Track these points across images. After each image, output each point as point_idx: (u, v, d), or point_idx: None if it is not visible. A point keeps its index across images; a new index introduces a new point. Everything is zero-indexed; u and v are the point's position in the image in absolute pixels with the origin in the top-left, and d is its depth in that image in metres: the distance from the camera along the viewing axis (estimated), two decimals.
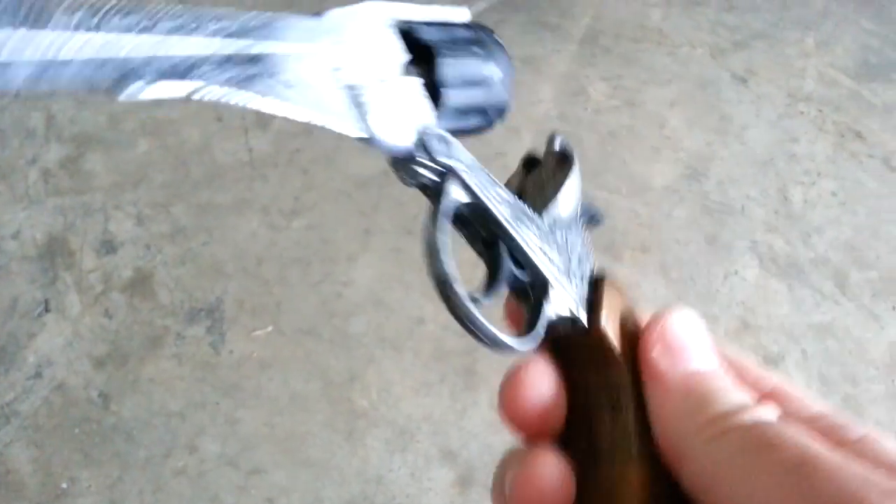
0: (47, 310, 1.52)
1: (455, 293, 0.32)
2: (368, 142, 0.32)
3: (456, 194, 0.34)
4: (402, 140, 0.33)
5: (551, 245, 0.37)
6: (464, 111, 0.36)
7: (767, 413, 0.32)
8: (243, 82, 0.27)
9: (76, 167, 1.74)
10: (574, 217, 0.39)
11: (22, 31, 0.21)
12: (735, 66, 2.06)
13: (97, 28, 0.23)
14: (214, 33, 0.26)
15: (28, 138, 1.79)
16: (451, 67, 0.35)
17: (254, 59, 0.27)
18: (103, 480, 1.33)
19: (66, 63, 0.22)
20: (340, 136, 0.31)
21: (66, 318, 1.51)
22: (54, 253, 1.60)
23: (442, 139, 0.34)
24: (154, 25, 0.24)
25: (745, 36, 2.14)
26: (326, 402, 1.44)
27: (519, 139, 1.80)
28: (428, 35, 0.35)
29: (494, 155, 1.46)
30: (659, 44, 2.10)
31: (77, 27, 0.23)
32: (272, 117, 1.82)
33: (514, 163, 0.42)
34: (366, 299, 1.57)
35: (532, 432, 0.37)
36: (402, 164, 0.34)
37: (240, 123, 1.82)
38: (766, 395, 0.35)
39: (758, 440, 0.29)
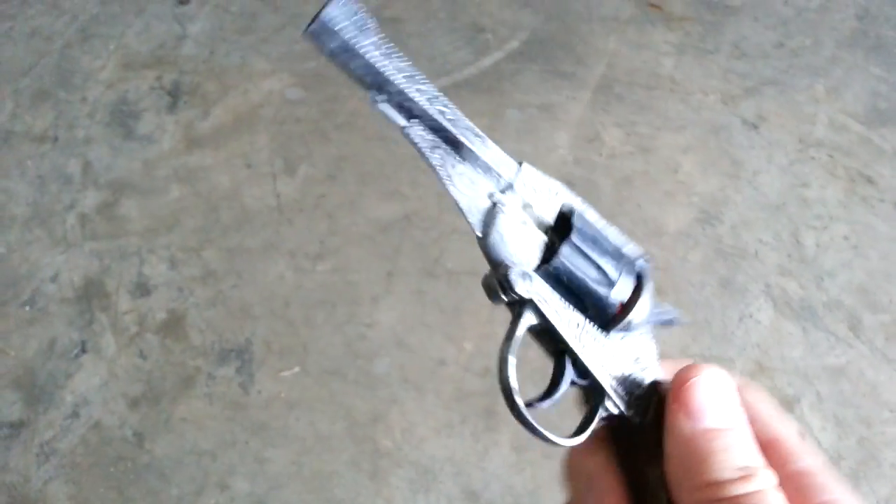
0: (84, 351, 1.59)
1: (514, 401, 0.40)
2: (480, 241, 0.40)
3: (528, 321, 0.41)
4: (501, 259, 0.40)
5: (612, 356, 0.43)
6: (562, 285, 0.41)
7: (765, 481, 0.33)
8: (435, 147, 0.38)
9: (112, 212, 1.82)
10: (643, 323, 0.45)
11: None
12: (746, 112, 2.12)
13: (388, 57, 0.36)
14: (442, 113, 0.38)
15: (66, 184, 1.87)
16: (568, 259, 0.40)
17: (453, 141, 0.39)
18: None
19: (360, 55, 0.36)
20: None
21: (102, 358, 1.57)
22: (91, 295, 1.67)
23: (526, 275, 0.40)
24: (414, 76, 0.37)
25: (756, 83, 2.20)
26: (351, 441, 1.48)
27: None
28: (578, 223, 0.41)
29: None
30: (672, 91, 2.16)
31: (377, 46, 0.36)
32: (299, 164, 1.89)
33: None
34: (389, 341, 1.62)
35: None
36: (494, 285, 0.40)
37: (268, 170, 1.89)
38: (766, 444, 0.36)
39: None
